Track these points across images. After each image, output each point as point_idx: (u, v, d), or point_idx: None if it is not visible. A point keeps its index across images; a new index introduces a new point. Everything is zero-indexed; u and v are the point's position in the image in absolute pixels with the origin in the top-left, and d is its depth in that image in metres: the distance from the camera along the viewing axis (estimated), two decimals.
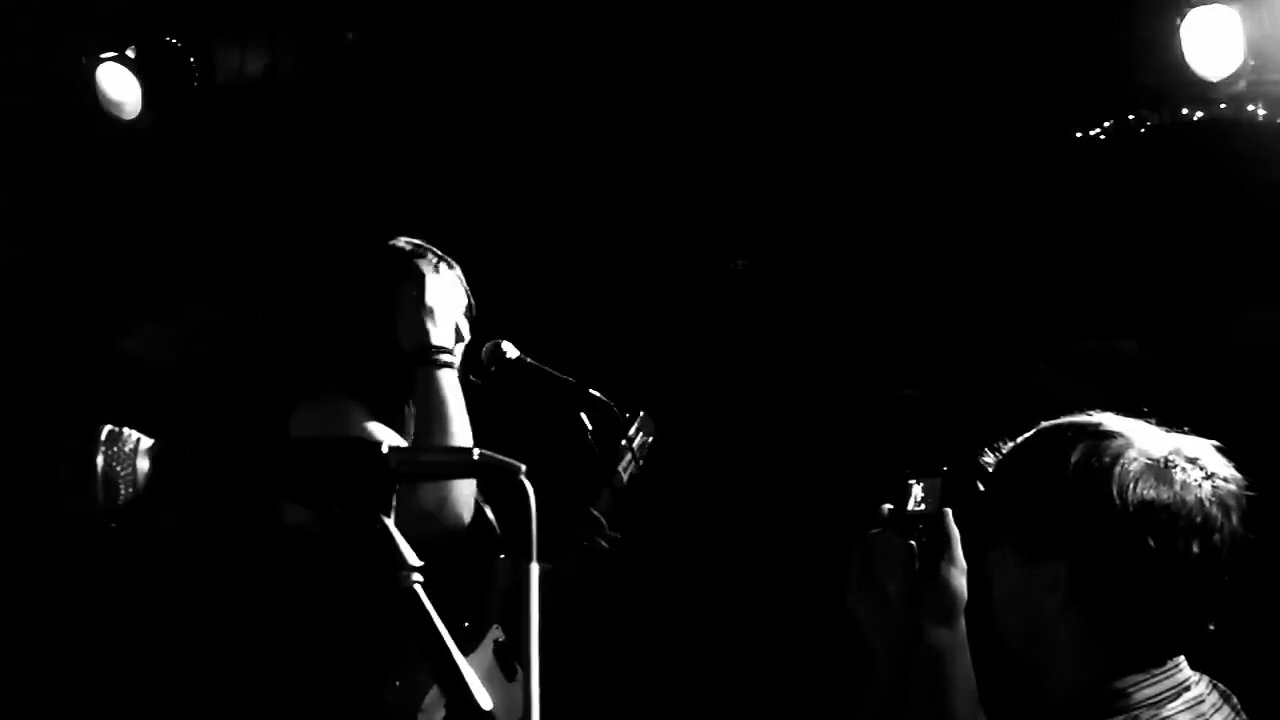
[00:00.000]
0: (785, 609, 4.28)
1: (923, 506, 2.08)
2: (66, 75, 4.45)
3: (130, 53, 4.44)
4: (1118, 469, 1.85)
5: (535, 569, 1.71)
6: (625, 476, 3.26)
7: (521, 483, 1.70)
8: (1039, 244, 4.35)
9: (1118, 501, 1.84)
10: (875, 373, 4.54)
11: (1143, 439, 1.89)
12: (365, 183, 4.61)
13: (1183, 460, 1.87)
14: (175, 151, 4.58)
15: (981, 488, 2.03)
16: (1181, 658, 1.91)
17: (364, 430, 2.72)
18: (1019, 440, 1.99)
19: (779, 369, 4.62)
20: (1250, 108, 3.74)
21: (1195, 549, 1.84)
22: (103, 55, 4.42)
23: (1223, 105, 3.76)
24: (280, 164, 4.68)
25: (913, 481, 2.09)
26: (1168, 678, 1.87)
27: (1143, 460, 1.86)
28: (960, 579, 2.03)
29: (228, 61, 4.61)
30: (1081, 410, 1.97)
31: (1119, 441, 1.88)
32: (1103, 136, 4.15)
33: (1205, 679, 1.94)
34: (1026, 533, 1.93)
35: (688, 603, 4.45)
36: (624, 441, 3.25)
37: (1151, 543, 1.83)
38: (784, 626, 4.32)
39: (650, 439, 3.35)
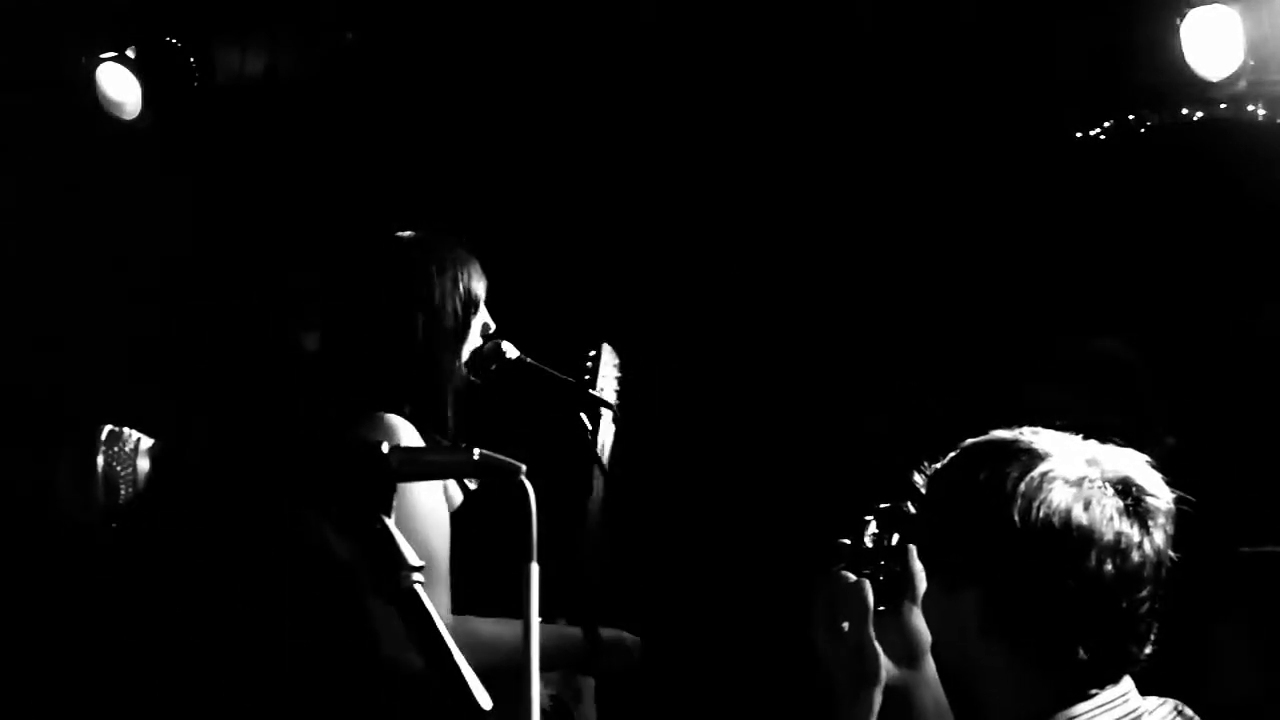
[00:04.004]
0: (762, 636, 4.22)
1: (882, 540, 2.02)
2: (66, 75, 4.45)
3: (130, 53, 4.43)
4: (1020, 490, 1.77)
5: (535, 569, 1.71)
6: (610, 422, 3.20)
7: (521, 483, 1.71)
8: (1039, 245, 4.35)
9: (1019, 524, 1.75)
10: (871, 382, 4.53)
11: (1058, 456, 1.80)
12: (365, 183, 4.61)
13: (1098, 478, 1.78)
14: (175, 151, 4.58)
15: (913, 510, 1.98)
16: (1127, 686, 1.82)
17: None
18: (942, 461, 1.91)
19: (778, 377, 4.62)
20: (1250, 108, 3.74)
21: (1109, 570, 1.75)
22: (103, 55, 4.42)
23: (1223, 105, 3.76)
24: (280, 164, 4.68)
25: (870, 517, 2.03)
26: (1108, 711, 1.79)
27: (1050, 479, 1.78)
28: (922, 618, 1.97)
29: (228, 61, 4.61)
30: (1063, 418, 1.90)
31: (1026, 460, 1.80)
32: (1103, 136, 4.15)
33: (1168, 704, 1.86)
34: (941, 560, 1.88)
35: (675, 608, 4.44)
36: (599, 386, 3.19)
37: (1058, 566, 1.75)
38: (756, 657, 4.27)
39: (618, 371, 3.26)
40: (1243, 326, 4.14)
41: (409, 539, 2.59)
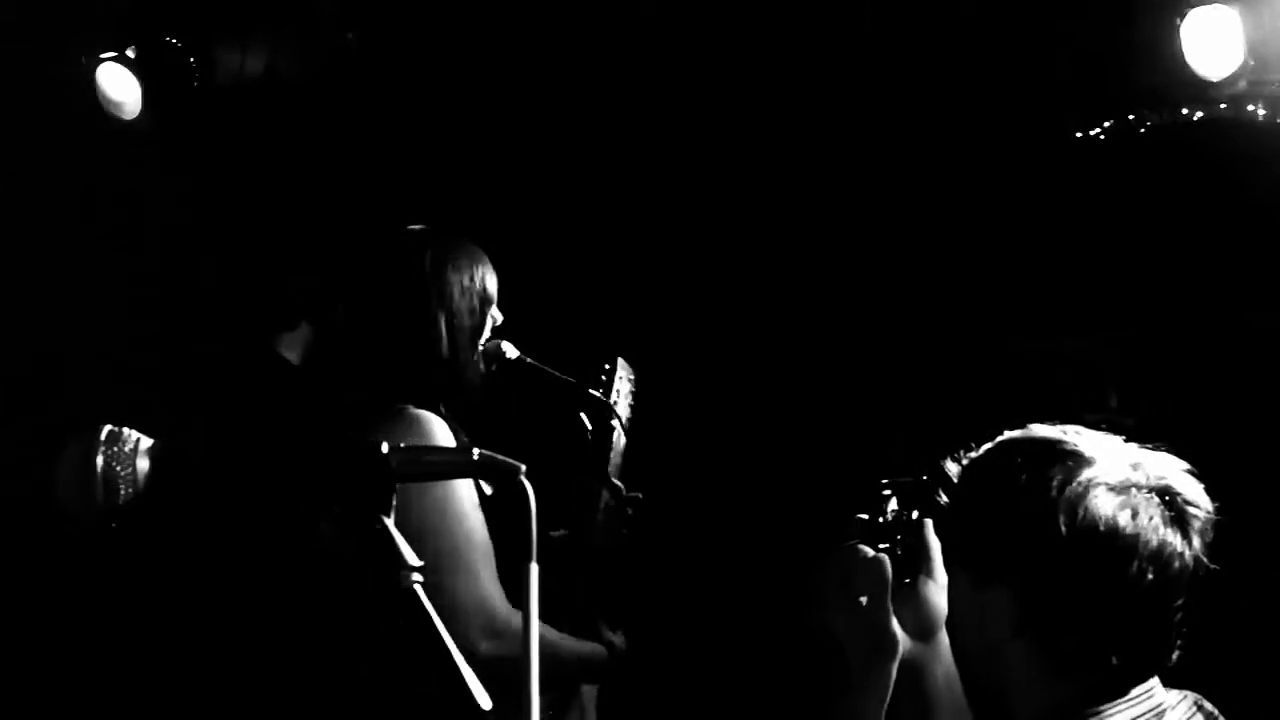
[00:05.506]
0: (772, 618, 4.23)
1: (900, 516, 2.00)
2: (66, 75, 4.45)
3: (130, 53, 4.43)
4: (1066, 494, 1.77)
5: (535, 570, 1.71)
6: (623, 432, 3.21)
7: (521, 483, 1.71)
8: (1039, 245, 4.35)
9: (1064, 529, 1.76)
10: (873, 372, 4.54)
11: (1102, 460, 1.80)
12: (366, 184, 4.61)
13: (1142, 484, 1.79)
14: (175, 151, 4.58)
15: (945, 499, 1.97)
16: (1153, 682, 1.83)
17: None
18: (978, 452, 1.91)
19: (778, 377, 4.62)
20: (1250, 108, 3.74)
21: (1150, 577, 1.76)
22: (103, 55, 4.42)
23: (1223, 105, 3.75)
24: (280, 164, 4.68)
25: (886, 491, 2.02)
26: (1132, 706, 1.80)
27: (1095, 484, 1.78)
28: (939, 594, 1.97)
29: (228, 61, 4.61)
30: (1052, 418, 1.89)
31: (1073, 463, 1.80)
32: (1103, 136, 4.14)
33: (1189, 699, 1.87)
34: (975, 555, 1.87)
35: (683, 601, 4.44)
36: (613, 399, 3.20)
37: (1100, 572, 1.75)
38: (767, 633, 4.27)
39: (632, 386, 3.27)
40: (1243, 326, 4.14)
41: (456, 527, 2.63)
